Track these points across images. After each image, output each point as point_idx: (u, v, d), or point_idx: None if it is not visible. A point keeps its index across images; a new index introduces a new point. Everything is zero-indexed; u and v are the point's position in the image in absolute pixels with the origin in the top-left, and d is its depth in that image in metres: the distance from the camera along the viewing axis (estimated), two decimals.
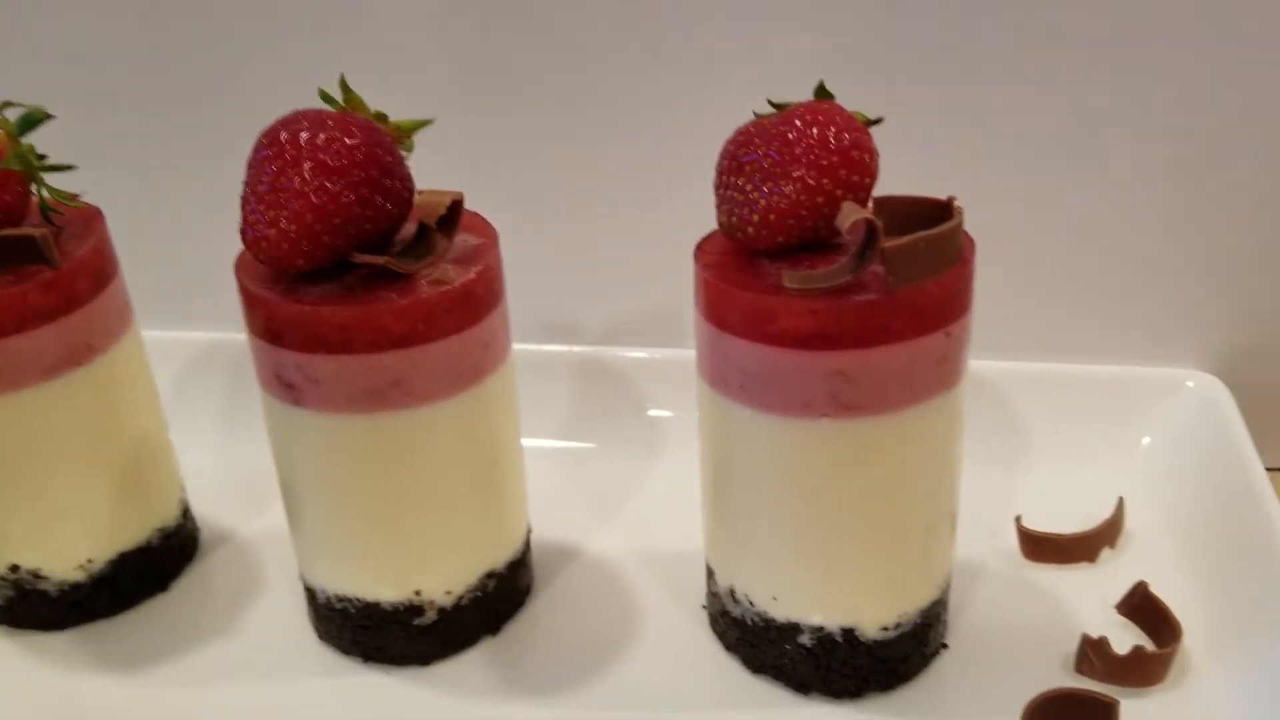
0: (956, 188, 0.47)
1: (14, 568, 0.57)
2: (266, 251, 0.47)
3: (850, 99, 0.49)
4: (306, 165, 0.47)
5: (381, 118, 0.50)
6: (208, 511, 0.66)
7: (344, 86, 0.50)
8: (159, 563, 0.61)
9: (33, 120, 0.52)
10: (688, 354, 0.71)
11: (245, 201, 0.48)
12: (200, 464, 0.67)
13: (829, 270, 0.45)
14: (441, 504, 0.53)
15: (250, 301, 0.49)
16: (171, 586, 0.61)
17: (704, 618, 0.58)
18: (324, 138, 0.47)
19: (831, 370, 0.46)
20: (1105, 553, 0.60)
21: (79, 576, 0.58)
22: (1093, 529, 0.60)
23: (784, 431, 0.47)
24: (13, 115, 0.53)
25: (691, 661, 0.56)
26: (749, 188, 0.48)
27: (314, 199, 0.47)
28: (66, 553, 0.57)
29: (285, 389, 0.50)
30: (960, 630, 0.56)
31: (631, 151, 0.70)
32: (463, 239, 0.52)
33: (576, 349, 0.73)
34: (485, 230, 0.53)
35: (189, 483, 0.64)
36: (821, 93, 0.49)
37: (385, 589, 0.54)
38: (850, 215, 0.45)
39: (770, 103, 0.49)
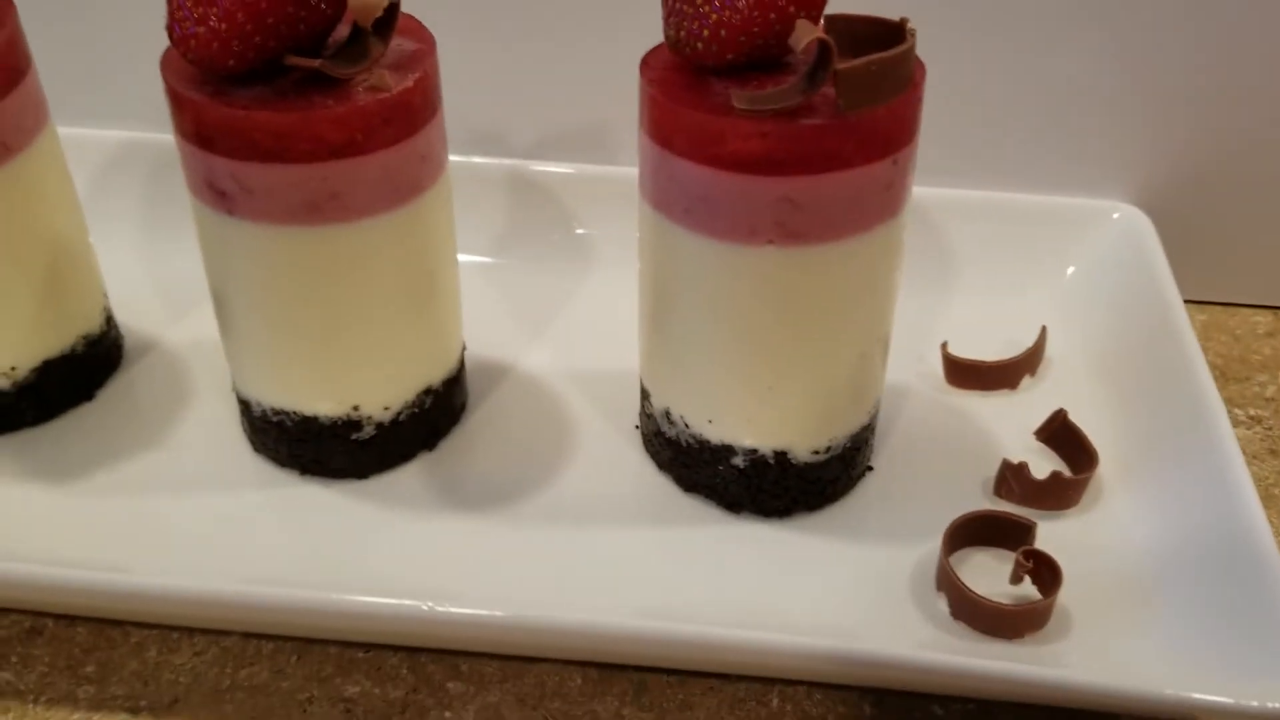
0: (896, 7, 0.46)
1: None
2: (195, 50, 0.45)
3: None
4: None
5: None
6: (130, 318, 0.65)
7: None
8: (84, 371, 0.60)
9: None
10: (618, 171, 0.71)
11: (172, 1, 0.45)
12: (121, 269, 0.65)
13: (779, 90, 0.45)
14: (379, 320, 0.52)
15: (179, 103, 0.47)
16: (97, 395, 0.60)
17: (637, 438, 0.59)
18: None
19: (779, 196, 0.45)
20: (1026, 380, 0.62)
21: (2, 384, 0.56)
22: (1015, 357, 0.62)
23: (728, 258, 0.47)
24: None
25: (625, 480, 0.57)
26: (699, 1, 0.46)
27: None
28: None
29: (218, 197, 0.48)
30: (885, 453, 0.58)
31: None
32: (397, 43, 0.50)
33: (505, 162, 0.72)
34: (421, 34, 0.51)
35: (110, 289, 0.63)
36: None
37: (323, 403, 0.54)
38: (805, 34, 0.44)
39: None
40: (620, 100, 0.71)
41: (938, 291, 0.68)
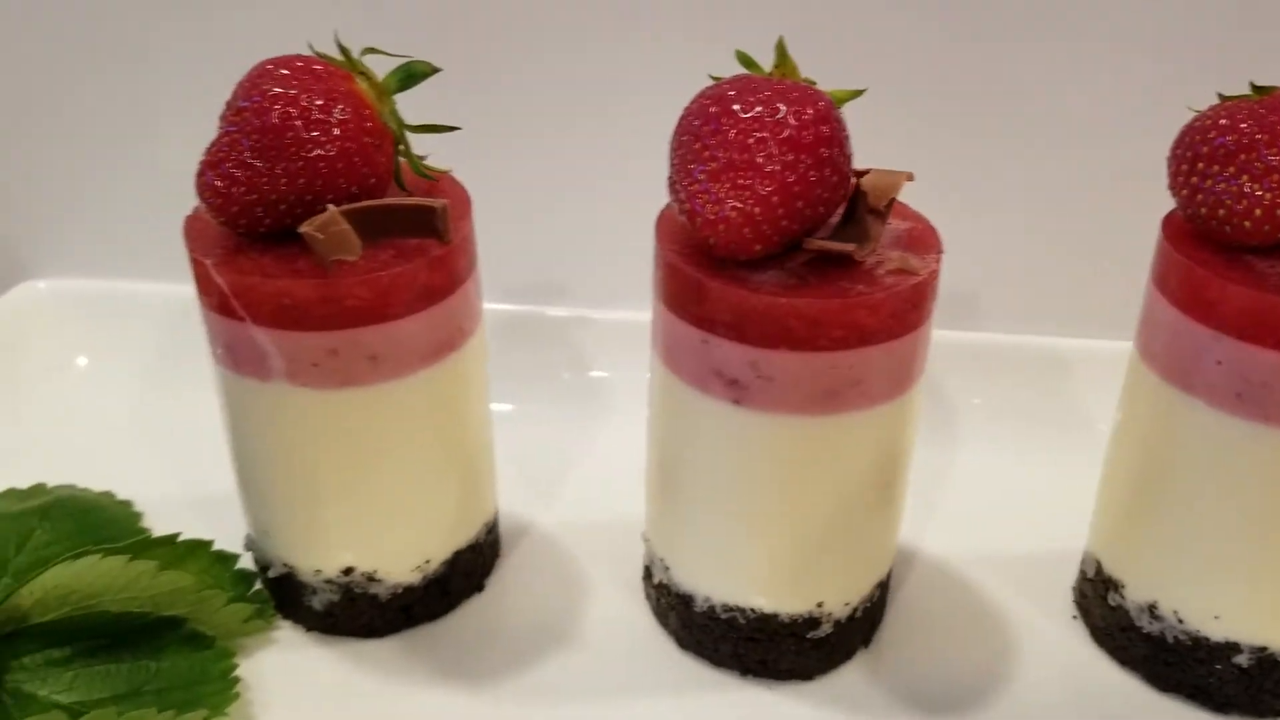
0: None
1: (348, 570, 0.52)
2: (724, 235, 0.42)
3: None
4: (773, 140, 0.42)
5: (811, 85, 0.45)
6: (501, 500, 0.61)
7: (780, 50, 0.45)
8: (481, 560, 0.56)
9: (415, 75, 0.46)
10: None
11: (689, 180, 0.43)
12: None
13: None
14: (859, 509, 0.48)
15: (699, 290, 0.44)
16: (486, 585, 0.56)
17: (1076, 629, 0.55)
18: (784, 109, 0.42)
19: None
20: None
21: (414, 579, 0.52)
22: None
23: None
24: (369, 59, 0.46)
25: (1083, 679, 0.52)
26: (1245, 179, 0.44)
27: (782, 178, 0.42)
28: (406, 553, 0.52)
29: (726, 386, 0.45)
30: None
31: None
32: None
33: None
34: (906, 211, 0.49)
35: None
36: None
37: (790, 601, 0.49)
38: None
39: (1254, 86, 0.45)
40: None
41: None
